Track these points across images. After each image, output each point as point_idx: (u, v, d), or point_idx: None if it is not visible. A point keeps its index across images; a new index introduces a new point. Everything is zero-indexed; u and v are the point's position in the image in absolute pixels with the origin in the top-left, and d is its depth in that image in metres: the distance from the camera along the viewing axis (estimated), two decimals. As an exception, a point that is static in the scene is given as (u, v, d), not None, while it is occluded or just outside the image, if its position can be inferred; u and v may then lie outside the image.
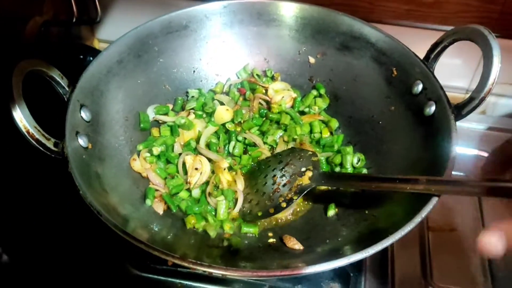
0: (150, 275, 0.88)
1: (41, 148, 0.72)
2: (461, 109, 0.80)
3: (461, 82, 1.20)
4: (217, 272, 0.61)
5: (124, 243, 0.64)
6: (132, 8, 1.22)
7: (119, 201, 0.79)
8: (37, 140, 0.71)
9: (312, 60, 1.05)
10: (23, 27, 1.01)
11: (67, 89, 0.81)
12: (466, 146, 1.12)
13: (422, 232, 0.97)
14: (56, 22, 1.09)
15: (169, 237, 0.80)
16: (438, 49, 0.87)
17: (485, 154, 1.11)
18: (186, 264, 0.61)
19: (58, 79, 0.80)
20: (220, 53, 1.06)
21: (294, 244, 0.81)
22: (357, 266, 0.89)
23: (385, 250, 0.92)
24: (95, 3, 1.13)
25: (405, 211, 0.72)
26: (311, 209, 0.91)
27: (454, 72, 1.17)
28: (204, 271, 0.61)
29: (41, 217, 0.94)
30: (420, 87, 0.87)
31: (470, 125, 1.17)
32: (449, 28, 0.85)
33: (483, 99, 0.77)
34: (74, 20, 1.09)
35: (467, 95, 1.19)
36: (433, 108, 0.83)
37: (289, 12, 1.02)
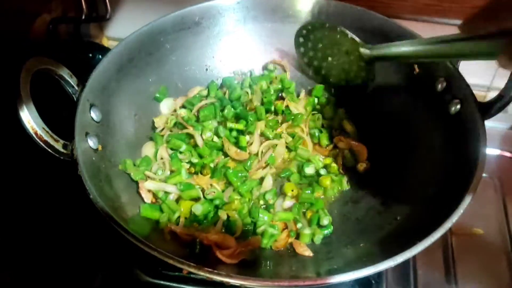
0: (162, 282, 0.84)
1: (49, 150, 0.68)
2: (490, 108, 0.75)
3: (482, 79, 1.16)
4: (235, 282, 0.57)
5: (134, 248, 0.61)
6: (142, 5, 1.19)
7: (131, 205, 0.76)
8: (46, 142, 0.68)
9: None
10: (31, 25, 0.98)
11: (76, 88, 0.78)
12: (488, 146, 1.07)
13: (445, 236, 0.93)
14: (64, 19, 1.06)
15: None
16: (463, 44, 0.82)
17: (508, 154, 1.07)
18: (202, 273, 0.57)
19: (67, 78, 0.77)
20: (234, 50, 1.03)
21: (304, 250, 0.77)
22: (378, 272, 0.85)
23: (407, 266, 0.88)
24: (104, 0, 1.10)
25: (431, 215, 0.69)
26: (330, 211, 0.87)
27: (475, 69, 1.13)
28: (221, 281, 0.57)
29: (50, 221, 0.91)
30: (444, 84, 0.83)
31: (491, 124, 1.12)
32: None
33: (513, 97, 0.73)
34: (83, 17, 1.06)
35: (489, 93, 1.18)
36: (458, 106, 0.79)
37: (304, 8, 0.99)
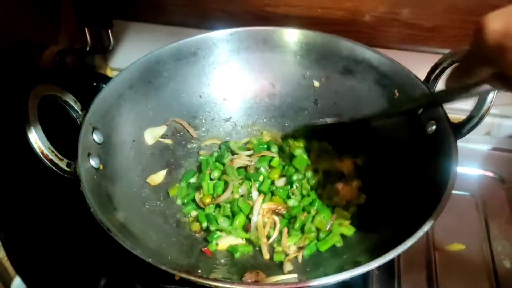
0: (161, 296, 0.88)
1: (54, 168, 0.74)
2: (461, 128, 0.81)
3: (465, 104, 1.21)
4: (224, 286, 0.62)
5: (133, 261, 0.66)
6: (143, 38, 1.27)
7: (129, 220, 0.81)
8: (51, 161, 0.74)
9: (316, 84, 1.07)
10: (39, 56, 1.06)
11: (80, 113, 0.85)
12: (471, 166, 1.13)
13: (429, 251, 0.97)
14: (70, 50, 1.14)
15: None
16: (438, 70, 0.89)
17: (490, 174, 1.12)
18: (192, 278, 0.62)
19: (71, 103, 0.84)
20: (228, 78, 1.09)
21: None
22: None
23: (391, 273, 0.93)
24: (108, 33, 1.19)
25: (405, 230, 0.73)
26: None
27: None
28: (210, 285, 0.62)
29: (52, 233, 0.96)
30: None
31: (475, 146, 1.18)
32: (449, 50, 0.87)
33: (482, 117, 0.79)
34: (87, 49, 1.14)
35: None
36: (434, 127, 0.85)
37: (293, 38, 1.06)
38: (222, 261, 0.86)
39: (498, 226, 1.02)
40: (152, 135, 1.01)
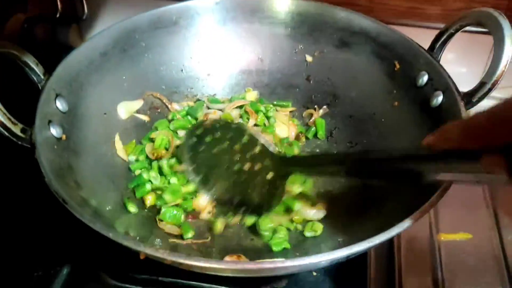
0: (129, 285, 0.78)
1: (5, 132, 0.65)
2: (471, 96, 0.73)
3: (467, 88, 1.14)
4: (195, 264, 0.52)
5: (99, 247, 0.57)
6: (121, 9, 1.18)
7: (92, 199, 0.71)
8: (1, 124, 0.64)
9: (309, 58, 0.99)
10: (4, 23, 0.96)
11: (42, 77, 0.75)
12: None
13: (433, 243, 0.88)
14: (39, 18, 1.04)
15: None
16: (444, 37, 0.82)
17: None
18: (159, 255, 0.52)
19: (32, 66, 0.74)
20: (212, 52, 1.00)
21: None
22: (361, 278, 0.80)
23: (391, 262, 0.84)
24: (82, 1, 1.09)
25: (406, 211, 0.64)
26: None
27: (461, 79, 1.12)
28: (181, 264, 0.52)
29: (9, 215, 0.87)
30: (425, 78, 0.81)
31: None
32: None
33: (495, 83, 0.71)
34: (57, 15, 1.04)
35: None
36: (440, 98, 0.77)
37: (284, 9, 0.97)
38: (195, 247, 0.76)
39: (508, 214, 0.92)
40: (126, 109, 0.91)
